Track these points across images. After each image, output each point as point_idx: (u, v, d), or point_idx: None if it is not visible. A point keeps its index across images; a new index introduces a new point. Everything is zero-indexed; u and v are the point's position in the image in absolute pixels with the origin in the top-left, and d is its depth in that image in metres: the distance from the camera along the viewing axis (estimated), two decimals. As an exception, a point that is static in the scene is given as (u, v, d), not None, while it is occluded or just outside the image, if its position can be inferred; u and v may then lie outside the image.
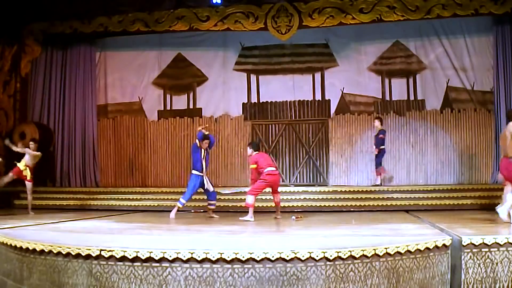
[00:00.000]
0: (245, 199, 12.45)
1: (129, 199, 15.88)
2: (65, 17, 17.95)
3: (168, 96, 19.41)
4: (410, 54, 18.18)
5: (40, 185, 16.20)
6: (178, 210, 12.96)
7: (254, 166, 12.41)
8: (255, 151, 12.64)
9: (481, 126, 17.49)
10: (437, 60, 17.93)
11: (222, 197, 15.35)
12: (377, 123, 16.35)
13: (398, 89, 18.25)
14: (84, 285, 7.07)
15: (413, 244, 7.18)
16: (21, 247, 7.70)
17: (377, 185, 16.07)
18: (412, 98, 18.12)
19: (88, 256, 7.00)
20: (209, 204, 13.26)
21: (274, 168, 12.50)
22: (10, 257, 8.06)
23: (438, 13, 16.24)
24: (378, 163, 16.34)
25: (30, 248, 7.52)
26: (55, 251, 7.23)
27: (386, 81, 18.31)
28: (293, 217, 12.28)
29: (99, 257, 6.95)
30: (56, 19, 18.09)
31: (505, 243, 7.50)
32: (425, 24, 17.60)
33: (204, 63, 19.25)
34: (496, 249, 7.50)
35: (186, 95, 19.35)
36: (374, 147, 16.34)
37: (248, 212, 12.18)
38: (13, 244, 7.92)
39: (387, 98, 18.28)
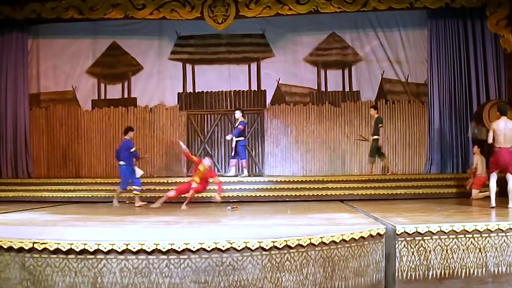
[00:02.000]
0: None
1: (62, 190, 15.63)
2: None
3: (102, 85, 19.10)
4: (346, 45, 18.34)
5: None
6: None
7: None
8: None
9: (415, 118, 17.81)
10: (373, 52, 18.17)
11: (157, 187, 15.25)
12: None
13: (334, 80, 18.39)
14: (17, 278, 6.94)
15: (348, 233, 7.27)
16: (-51, 240, 7.50)
17: (245, 176, 16.17)
18: (347, 89, 18.32)
19: (21, 249, 6.87)
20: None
21: None
22: None
23: (374, 5, 16.38)
24: (244, 155, 16.43)
25: (-40, 241, 7.34)
26: (-15, 245, 7.07)
27: (322, 72, 18.43)
28: (229, 207, 12.27)
29: (32, 250, 6.84)
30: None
31: (437, 231, 7.66)
32: (361, 17, 17.80)
33: (139, 51, 19.02)
34: (429, 238, 7.66)
35: (120, 84, 19.09)
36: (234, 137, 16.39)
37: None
38: None
39: (323, 89, 18.40)
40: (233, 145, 16.30)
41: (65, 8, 17.29)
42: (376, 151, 16.14)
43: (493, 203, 10.86)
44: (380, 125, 15.91)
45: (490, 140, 11.09)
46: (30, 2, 17.37)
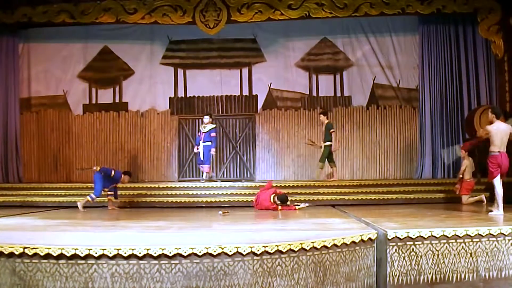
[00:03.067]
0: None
1: (53, 195, 15.56)
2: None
3: (93, 90, 19.10)
4: (338, 51, 18.40)
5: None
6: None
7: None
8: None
9: (406, 123, 17.88)
10: (364, 57, 18.24)
11: (149, 192, 15.25)
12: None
13: (325, 85, 18.46)
14: (7, 284, 6.92)
15: (340, 238, 7.27)
16: None
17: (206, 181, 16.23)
18: (339, 94, 18.38)
19: (11, 254, 6.85)
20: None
21: None
22: None
23: (366, 11, 16.42)
24: (208, 161, 16.46)
25: None
26: (-25, 250, 7.04)
27: (314, 77, 18.48)
28: (220, 212, 12.24)
29: (22, 255, 6.82)
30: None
31: (429, 236, 7.67)
32: (352, 22, 17.88)
33: (131, 56, 19.02)
34: (420, 242, 7.66)
35: (112, 88, 19.10)
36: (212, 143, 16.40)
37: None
38: None
39: (314, 94, 18.47)
40: (200, 150, 16.26)
41: (57, 12, 17.28)
42: (327, 157, 16.09)
43: (502, 210, 10.65)
44: (331, 130, 15.88)
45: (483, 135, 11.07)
46: (21, 6, 17.34)
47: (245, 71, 18.79)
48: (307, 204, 13.52)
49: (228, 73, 18.88)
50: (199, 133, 16.45)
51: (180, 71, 18.97)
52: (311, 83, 18.48)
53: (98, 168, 13.57)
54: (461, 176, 13.75)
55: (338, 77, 18.41)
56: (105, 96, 19.13)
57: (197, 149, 16.34)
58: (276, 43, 18.61)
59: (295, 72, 18.59)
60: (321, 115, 16.36)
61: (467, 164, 13.74)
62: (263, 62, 18.70)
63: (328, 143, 15.87)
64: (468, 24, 16.82)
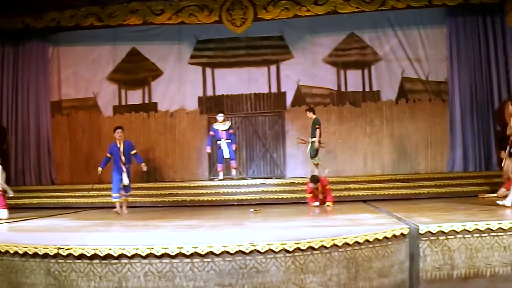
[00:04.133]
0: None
1: (85, 196, 15.71)
2: (16, 12, 17.65)
3: (123, 91, 19.22)
4: (365, 45, 18.26)
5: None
6: None
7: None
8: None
9: (436, 116, 17.65)
10: (392, 51, 18.04)
11: (180, 191, 15.34)
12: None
13: (354, 80, 18.30)
14: (42, 284, 7.01)
15: (372, 233, 7.25)
16: (-24, 249, 7.58)
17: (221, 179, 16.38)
18: (367, 89, 18.20)
19: (46, 255, 6.94)
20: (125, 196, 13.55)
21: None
22: (-35, 258, 7.93)
23: (392, 4, 16.32)
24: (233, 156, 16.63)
25: (-14, 249, 7.41)
26: (11, 251, 7.16)
27: (342, 72, 18.35)
28: (252, 210, 12.27)
29: (57, 255, 6.90)
30: (7, 14, 17.76)
31: (461, 230, 7.59)
32: (379, 16, 17.69)
33: (159, 57, 19.08)
34: (453, 237, 7.59)
35: (141, 89, 19.18)
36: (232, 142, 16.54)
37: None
38: (-33, 245, 7.79)
39: (343, 89, 18.31)
40: (223, 148, 16.36)
41: (84, 16, 17.45)
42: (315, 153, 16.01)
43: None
44: (316, 126, 15.68)
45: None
46: (49, 10, 17.52)
47: (273, 68, 18.72)
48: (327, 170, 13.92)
49: (256, 71, 18.82)
50: (212, 132, 16.54)
51: (208, 70, 18.99)
52: (339, 78, 18.37)
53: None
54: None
55: (366, 72, 18.27)
56: (135, 97, 19.23)
57: (210, 149, 16.44)
58: (303, 40, 18.55)
59: (323, 68, 18.47)
60: (307, 112, 16.27)
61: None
62: (290, 59, 18.61)
63: (313, 139, 15.80)
64: (496, 15, 16.61)
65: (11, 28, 17.99)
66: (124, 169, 13.07)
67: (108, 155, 13.17)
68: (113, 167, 13.20)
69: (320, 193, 13.10)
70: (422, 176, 15.77)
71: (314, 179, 12.95)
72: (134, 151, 13.24)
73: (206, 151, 17.00)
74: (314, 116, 15.86)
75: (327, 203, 12.80)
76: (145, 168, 13.21)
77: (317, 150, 15.49)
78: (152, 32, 18.74)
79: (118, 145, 13.03)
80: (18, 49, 18.65)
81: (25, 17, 17.77)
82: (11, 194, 12.49)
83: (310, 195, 13.04)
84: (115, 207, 13.12)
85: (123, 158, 13.02)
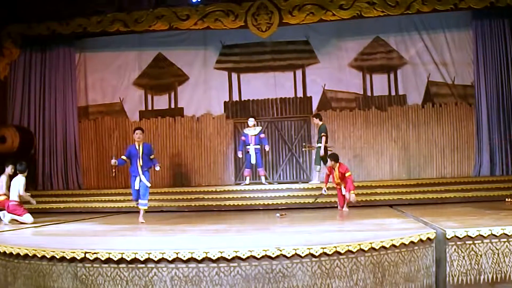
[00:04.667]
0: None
1: (112, 201, 15.80)
2: (43, 19, 17.82)
3: (149, 96, 19.32)
4: (391, 49, 18.20)
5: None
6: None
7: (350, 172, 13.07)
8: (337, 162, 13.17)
9: (462, 120, 17.55)
10: (418, 55, 17.96)
11: (206, 196, 15.38)
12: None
13: (380, 84, 18.25)
14: (70, 288, 7.06)
15: (398, 238, 7.21)
16: (4, 252, 7.66)
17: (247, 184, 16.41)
18: (393, 93, 18.13)
19: (73, 259, 6.98)
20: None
21: None
22: (-6, 263, 8.02)
23: (418, 8, 16.23)
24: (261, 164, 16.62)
25: (14, 253, 7.49)
26: (39, 255, 7.21)
27: (367, 77, 18.31)
28: (278, 215, 12.25)
29: (84, 259, 6.94)
30: (34, 21, 17.94)
31: (488, 235, 7.52)
32: (405, 20, 17.64)
33: (185, 62, 19.18)
34: (480, 241, 7.52)
35: (167, 94, 19.27)
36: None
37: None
38: (-4, 249, 7.88)
39: (369, 93, 18.27)
40: (252, 153, 16.31)
41: (111, 22, 17.58)
42: (321, 159, 15.94)
43: None
44: (322, 134, 15.73)
45: None
46: (76, 17, 17.67)
47: (299, 73, 18.72)
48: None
49: (282, 76, 18.82)
50: (243, 137, 16.51)
51: (234, 75, 19.04)
52: (365, 83, 18.32)
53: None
54: None
55: (392, 76, 18.20)
56: (161, 102, 19.34)
57: (241, 154, 16.44)
58: (328, 44, 18.53)
59: (349, 73, 18.43)
60: (314, 118, 16.33)
61: None
62: (316, 64, 18.60)
63: (319, 145, 15.79)
64: (522, 17, 16.56)
65: (39, 34, 18.16)
66: (140, 172, 12.04)
67: (124, 157, 12.15)
68: (130, 169, 12.21)
69: (341, 183, 13.23)
70: (448, 180, 15.65)
71: (333, 156, 13.29)
72: (152, 156, 12.32)
73: (237, 155, 16.95)
74: (320, 123, 15.91)
75: (351, 192, 12.81)
76: (158, 168, 12.59)
77: (322, 158, 15.51)
78: (178, 38, 18.84)
79: (137, 147, 12.16)
80: (46, 55, 18.87)
81: (52, 24, 17.94)
82: (33, 203, 12.55)
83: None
84: (147, 212, 13.09)
85: (140, 161, 12.07)
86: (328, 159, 13.30)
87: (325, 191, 13.65)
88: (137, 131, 12.25)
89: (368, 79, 18.32)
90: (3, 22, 18.00)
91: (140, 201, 11.99)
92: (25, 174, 12.34)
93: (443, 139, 17.57)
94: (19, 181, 12.16)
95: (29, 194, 12.45)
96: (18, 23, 18.16)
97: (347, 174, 12.90)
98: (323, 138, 15.60)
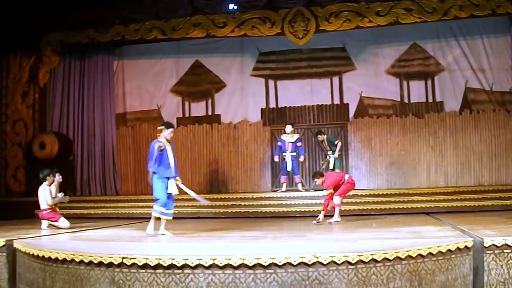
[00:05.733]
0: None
1: (149, 207, 15.74)
2: (81, 27, 18.04)
3: (186, 103, 19.44)
4: (428, 56, 18.07)
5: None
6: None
7: (331, 191, 12.55)
8: (322, 177, 12.81)
9: (500, 127, 17.33)
10: (455, 61, 17.79)
11: (243, 203, 15.44)
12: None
13: (417, 91, 18.12)
14: (107, 293, 7.13)
15: (435, 246, 7.16)
16: (43, 257, 7.76)
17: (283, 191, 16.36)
18: (430, 100, 17.97)
19: (111, 264, 7.04)
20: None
21: (351, 178, 13.00)
22: (33, 267, 8.13)
23: (455, 14, 16.09)
24: (297, 170, 16.71)
25: (53, 257, 7.58)
26: (77, 260, 7.28)
27: (405, 83, 18.20)
28: (314, 222, 12.25)
29: (121, 265, 7.00)
30: (73, 29, 18.18)
31: (527, 244, 7.46)
32: (442, 26, 17.50)
33: (222, 69, 19.27)
34: (518, 250, 7.46)
35: (204, 101, 19.37)
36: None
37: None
38: (35, 254, 7.99)
39: (406, 100, 18.15)
40: (288, 160, 16.35)
41: (148, 29, 17.74)
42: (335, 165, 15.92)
43: None
44: (336, 141, 16.05)
45: None
46: (114, 24, 17.85)
47: (336, 80, 18.66)
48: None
49: (318, 83, 18.79)
50: (280, 143, 16.54)
51: (271, 82, 19.05)
52: (402, 89, 18.21)
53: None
54: None
55: (429, 82, 18.06)
56: (198, 109, 19.44)
57: (278, 158, 16.45)
58: (365, 51, 18.48)
59: (386, 79, 18.34)
60: (319, 136, 16.54)
61: None
62: (353, 70, 18.53)
63: (335, 155, 15.99)
64: (562, 22, 16.37)
65: (78, 42, 18.40)
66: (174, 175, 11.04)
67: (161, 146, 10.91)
68: (160, 170, 10.95)
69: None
70: (486, 188, 15.52)
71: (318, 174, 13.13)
72: None
73: (274, 160, 17.05)
74: (325, 136, 15.98)
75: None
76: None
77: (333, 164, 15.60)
78: (215, 45, 18.93)
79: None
80: (84, 63, 19.11)
81: (91, 31, 18.17)
82: (66, 199, 12.66)
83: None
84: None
85: (173, 161, 11.15)
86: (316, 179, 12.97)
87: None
88: (171, 129, 11.24)
89: (405, 86, 18.20)
90: (43, 30, 18.26)
91: (165, 209, 10.63)
92: (48, 182, 12.47)
93: (480, 146, 17.38)
94: (44, 190, 12.34)
95: (60, 195, 12.57)
96: (57, 31, 18.41)
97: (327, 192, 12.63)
98: (339, 144, 15.94)
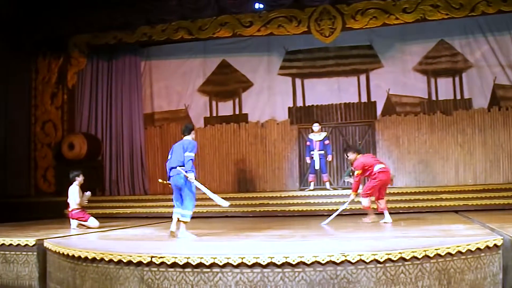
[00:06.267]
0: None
1: (177, 206, 15.97)
2: (108, 28, 18.16)
3: (213, 103, 19.51)
4: (456, 52, 17.94)
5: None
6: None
7: (360, 171, 11.85)
8: (357, 153, 12.21)
9: (530, 124, 17.22)
10: (483, 58, 17.62)
11: (271, 202, 15.47)
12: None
13: (444, 88, 17.99)
14: (136, 291, 7.18)
15: (464, 244, 7.12)
16: (73, 256, 7.84)
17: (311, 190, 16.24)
18: (458, 97, 17.84)
19: (139, 263, 7.09)
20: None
21: (383, 165, 12.04)
22: (63, 266, 8.21)
23: (483, 10, 15.94)
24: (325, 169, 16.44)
25: (82, 256, 7.65)
26: (106, 259, 7.34)
27: (432, 80, 18.08)
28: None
29: (150, 264, 7.04)
30: (100, 30, 18.31)
31: (558, 242, 7.39)
32: (469, 22, 17.36)
33: (249, 68, 19.32)
34: (549, 249, 7.39)
35: (231, 101, 19.42)
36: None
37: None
38: (65, 253, 8.07)
39: (434, 98, 18.03)
40: (316, 159, 16.21)
41: (175, 30, 17.83)
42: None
43: None
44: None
45: None
46: (141, 25, 17.95)
47: (363, 77, 18.60)
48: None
49: (345, 81, 18.75)
50: (308, 142, 16.47)
51: (298, 81, 19.04)
52: (430, 87, 18.09)
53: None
54: None
55: (457, 79, 17.92)
56: (225, 108, 19.52)
57: (309, 159, 16.39)
58: (392, 48, 18.40)
59: (413, 77, 18.23)
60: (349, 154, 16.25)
61: None
62: (380, 68, 18.46)
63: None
64: None
65: (105, 44, 18.54)
66: None
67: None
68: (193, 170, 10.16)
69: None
70: (516, 185, 15.40)
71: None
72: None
73: (306, 161, 16.87)
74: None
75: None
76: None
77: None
78: (242, 44, 18.99)
79: None
80: (112, 64, 19.32)
81: (117, 32, 18.28)
82: (88, 194, 12.69)
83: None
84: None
85: None
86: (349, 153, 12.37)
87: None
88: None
89: (432, 83, 18.08)
90: (70, 32, 18.41)
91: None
92: (77, 182, 12.58)
93: (510, 143, 17.20)
94: (73, 190, 12.45)
95: (87, 194, 12.63)
96: (84, 33, 18.57)
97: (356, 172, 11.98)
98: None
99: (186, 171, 9.76)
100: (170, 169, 10.14)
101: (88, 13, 17.64)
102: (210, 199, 10.38)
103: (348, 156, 12.46)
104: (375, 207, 12.16)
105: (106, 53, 19.31)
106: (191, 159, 9.95)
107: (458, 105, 17.78)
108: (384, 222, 11.59)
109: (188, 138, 10.40)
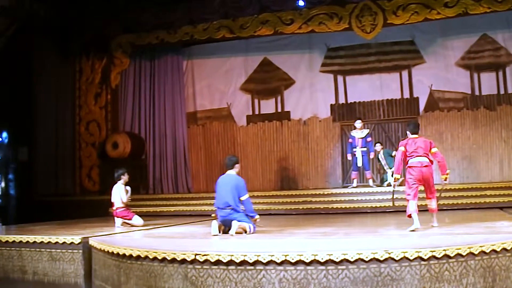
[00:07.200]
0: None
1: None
2: (151, 28, 18.36)
3: (256, 101, 19.57)
4: (499, 46, 17.70)
5: (134, 193, 16.57)
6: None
7: (403, 149, 10.46)
8: (412, 134, 10.81)
9: None
10: (527, 52, 17.44)
11: (314, 199, 15.47)
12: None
13: (488, 83, 17.77)
14: (180, 288, 7.24)
15: (509, 241, 7.04)
16: (118, 254, 7.95)
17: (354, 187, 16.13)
18: (502, 92, 17.60)
19: (184, 261, 7.14)
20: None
21: (418, 160, 10.48)
22: (108, 264, 8.33)
23: (526, 2, 15.80)
24: (368, 167, 16.47)
25: (127, 254, 7.75)
26: (151, 257, 7.42)
27: (475, 75, 17.88)
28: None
29: (194, 261, 7.09)
30: (143, 30, 18.53)
31: None
32: (512, 15, 17.17)
33: (290, 66, 19.31)
34: None
35: (274, 99, 19.46)
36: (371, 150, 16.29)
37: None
38: (110, 251, 8.18)
39: (477, 93, 17.82)
40: (358, 156, 16.19)
41: (216, 29, 17.95)
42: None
43: None
44: (394, 153, 14.80)
45: None
46: (183, 25, 18.09)
47: (405, 73, 18.48)
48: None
49: (387, 77, 18.65)
50: (350, 139, 16.44)
51: (340, 78, 19.00)
52: (473, 82, 17.87)
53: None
54: None
55: (500, 73, 17.70)
56: (268, 106, 19.56)
57: (351, 156, 16.33)
58: (434, 43, 18.24)
59: (456, 72, 18.03)
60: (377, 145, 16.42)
61: None
62: (422, 64, 18.31)
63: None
64: None
65: (148, 44, 18.71)
66: None
67: None
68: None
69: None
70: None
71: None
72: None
73: (347, 158, 16.87)
74: (382, 148, 16.21)
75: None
76: None
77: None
78: (283, 42, 18.99)
79: None
80: (154, 63, 19.48)
81: (160, 32, 18.45)
82: (128, 189, 12.76)
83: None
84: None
85: None
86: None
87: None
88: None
89: (476, 78, 17.87)
90: (113, 33, 18.64)
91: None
92: (122, 180, 12.71)
93: (555, 140, 17.00)
94: (119, 189, 12.58)
95: (128, 196, 12.73)
96: (127, 33, 18.79)
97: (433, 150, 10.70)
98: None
99: (252, 216, 10.12)
100: (218, 208, 10.13)
101: (130, 14, 17.89)
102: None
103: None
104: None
105: (148, 53, 19.51)
106: (250, 202, 10.16)
107: (502, 100, 17.54)
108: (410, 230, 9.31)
109: (232, 172, 10.44)
